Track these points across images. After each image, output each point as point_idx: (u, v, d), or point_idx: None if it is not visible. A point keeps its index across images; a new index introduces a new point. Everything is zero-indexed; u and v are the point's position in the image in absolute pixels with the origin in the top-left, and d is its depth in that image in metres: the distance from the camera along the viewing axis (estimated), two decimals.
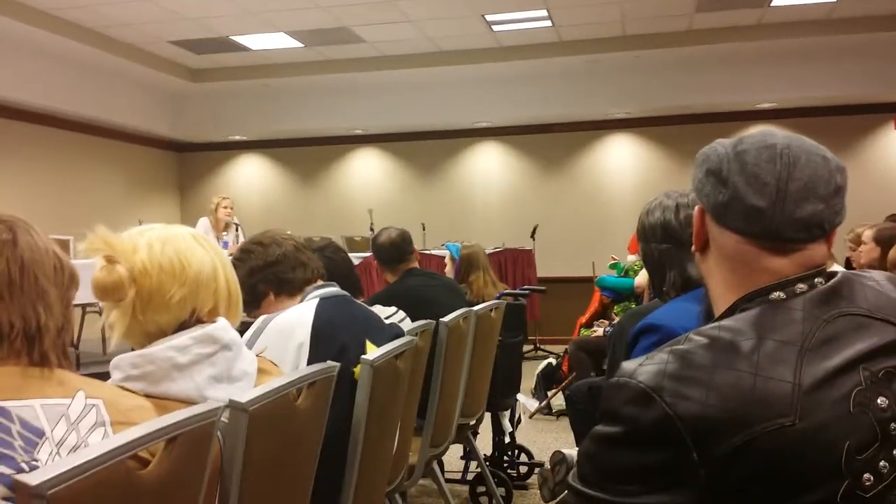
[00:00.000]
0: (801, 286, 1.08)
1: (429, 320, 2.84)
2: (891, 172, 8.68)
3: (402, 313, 3.20)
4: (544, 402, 5.65)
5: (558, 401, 5.54)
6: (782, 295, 1.08)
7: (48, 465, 0.98)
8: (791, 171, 1.09)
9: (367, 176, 10.10)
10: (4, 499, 1.02)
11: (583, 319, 6.13)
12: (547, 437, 5.05)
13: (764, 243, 1.10)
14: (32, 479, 0.91)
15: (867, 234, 4.40)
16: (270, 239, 2.32)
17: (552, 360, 6.04)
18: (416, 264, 3.83)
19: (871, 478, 0.99)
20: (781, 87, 8.27)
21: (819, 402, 0.99)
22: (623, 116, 9.15)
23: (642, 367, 1.04)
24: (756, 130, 1.16)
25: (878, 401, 1.02)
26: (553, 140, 9.47)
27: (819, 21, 7.54)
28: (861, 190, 8.43)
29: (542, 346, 8.27)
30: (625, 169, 9.35)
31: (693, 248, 1.22)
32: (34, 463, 1.05)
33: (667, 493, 0.99)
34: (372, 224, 8.09)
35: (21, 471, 1.03)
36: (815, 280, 1.09)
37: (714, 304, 1.20)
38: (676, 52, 8.07)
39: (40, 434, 1.08)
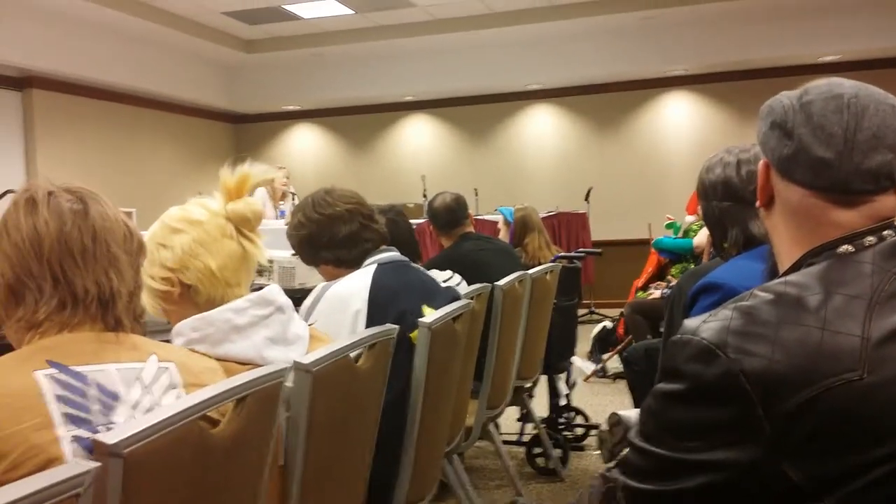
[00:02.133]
0: (870, 239, 1.06)
1: (484, 284, 2.84)
2: None
3: (457, 277, 3.21)
4: (600, 365, 5.63)
5: (614, 363, 5.52)
6: (850, 248, 1.06)
7: (124, 425, 1.02)
8: (859, 120, 1.06)
9: (419, 142, 10.10)
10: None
11: (639, 282, 6.06)
12: (602, 400, 5.05)
13: (831, 196, 1.07)
14: (109, 438, 0.95)
15: None
16: (338, 213, 2.21)
17: (608, 324, 6.01)
18: (471, 228, 3.84)
19: None
20: (844, 39, 7.96)
21: (888, 356, 0.97)
22: (679, 74, 8.94)
23: (706, 324, 1.03)
24: (822, 81, 1.12)
25: None
26: (607, 100, 9.32)
27: None
28: None
29: (596, 310, 8.22)
30: (681, 128, 9.16)
31: (757, 203, 1.19)
32: (111, 425, 1.10)
33: (731, 448, 0.99)
34: (425, 190, 8.10)
35: (98, 433, 1.07)
36: (885, 233, 1.06)
37: (779, 261, 1.18)
38: (734, 5, 7.82)
39: (116, 397, 1.13)
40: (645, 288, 5.87)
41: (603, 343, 5.85)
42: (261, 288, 1.56)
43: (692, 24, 8.22)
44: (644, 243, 6.93)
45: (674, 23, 8.26)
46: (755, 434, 0.98)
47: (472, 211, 3.99)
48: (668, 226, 5.95)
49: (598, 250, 5.39)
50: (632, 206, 8.91)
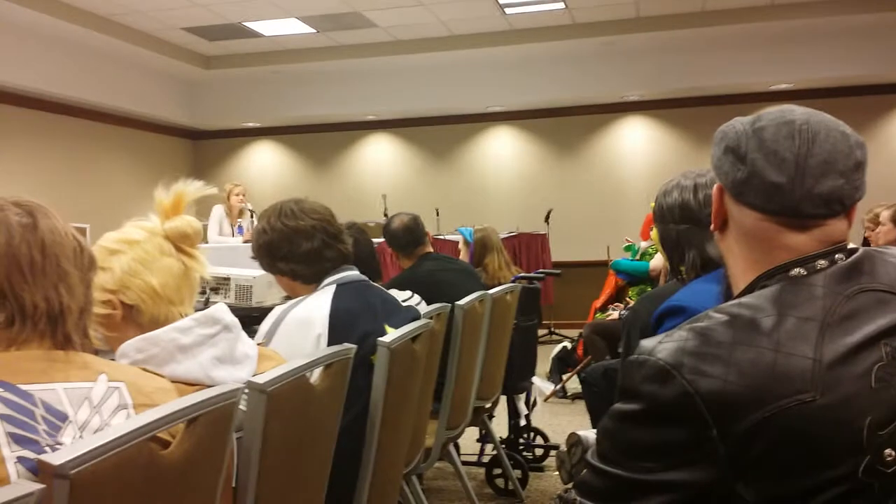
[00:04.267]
0: (822, 262, 1.07)
1: (444, 303, 2.84)
2: None
3: (417, 297, 3.20)
4: (559, 385, 5.65)
5: (573, 384, 5.54)
6: (803, 271, 1.07)
7: (71, 446, 0.99)
8: (810, 146, 1.08)
9: (380, 162, 10.10)
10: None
11: (597, 303, 6.12)
12: (562, 420, 5.06)
13: (783, 220, 1.09)
14: (55, 458, 0.93)
15: (885, 215, 4.36)
16: (302, 227, 2.16)
17: (567, 344, 6.04)
18: (430, 248, 3.83)
19: (893, 453, 0.99)
20: (796, 68, 8.18)
21: (840, 377, 0.98)
22: (637, 99, 9.09)
23: (662, 345, 1.04)
24: (775, 107, 1.15)
25: None
26: (567, 124, 9.43)
27: (834, 1, 7.44)
28: (878, 170, 8.36)
29: (556, 331, 8.27)
30: (639, 152, 9.30)
31: (712, 226, 1.21)
32: (57, 446, 1.06)
33: (686, 469, 0.99)
34: (386, 209, 8.09)
35: (44, 454, 1.04)
36: (836, 256, 1.08)
37: (733, 283, 1.19)
38: (690, 34, 7.99)
39: (63, 418, 1.09)
40: (603, 309, 5.92)
41: (562, 363, 5.87)
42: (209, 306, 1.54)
43: (650, 51, 8.38)
44: (603, 265, 7.01)
45: (632, 50, 8.41)
46: (710, 455, 0.98)
47: (432, 231, 3.99)
48: (627, 248, 6.03)
49: (558, 271, 5.43)
50: (591, 229, 9.00)
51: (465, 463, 3.80)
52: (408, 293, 3.21)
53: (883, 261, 1.11)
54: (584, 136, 9.43)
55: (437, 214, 8.41)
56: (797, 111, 1.12)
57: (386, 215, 7.68)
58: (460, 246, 4.92)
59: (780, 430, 0.97)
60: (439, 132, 9.78)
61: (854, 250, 1.11)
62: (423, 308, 2.89)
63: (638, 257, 5.70)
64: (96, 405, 1.14)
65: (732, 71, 8.32)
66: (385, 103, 9.35)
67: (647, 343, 1.07)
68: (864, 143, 1.12)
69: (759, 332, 1.01)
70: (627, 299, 5.68)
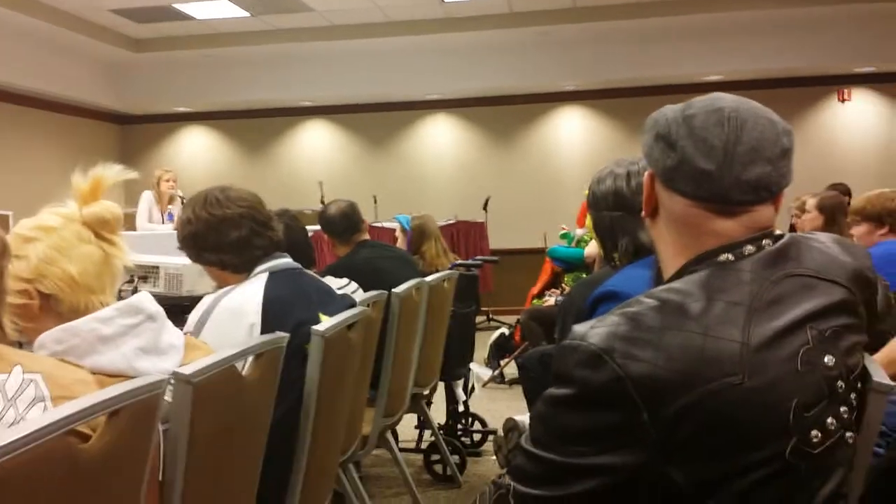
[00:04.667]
0: (750, 248, 1.09)
1: (381, 291, 2.82)
2: (834, 142, 8.89)
3: (354, 285, 3.17)
4: (497, 371, 5.69)
5: (511, 370, 5.59)
6: (731, 257, 1.09)
7: None
8: (739, 133, 1.09)
9: (317, 148, 9.97)
10: None
11: (534, 290, 6.17)
12: (500, 406, 5.09)
13: (712, 206, 1.10)
14: None
15: (811, 203, 4.49)
16: (228, 216, 2.09)
17: (505, 331, 6.08)
18: (367, 236, 3.80)
19: (819, 434, 1.02)
20: (729, 60, 8.37)
21: (767, 360, 1.00)
22: (573, 89, 9.17)
23: (593, 330, 1.05)
24: (706, 95, 1.16)
25: (825, 359, 1.04)
26: (505, 113, 9.46)
27: None
28: (806, 159, 8.60)
29: (494, 317, 8.31)
30: (575, 141, 9.40)
31: (643, 213, 1.22)
32: None
33: (617, 452, 1.00)
34: (322, 197, 7.99)
35: None
36: (763, 242, 1.10)
37: (664, 268, 1.20)
38: (626, 25, 8.09)
39: None
40: (540, 295, 5.98)
41: (500, 349, 5.91)
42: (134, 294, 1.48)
43: (586, 41, 8.46)
44: (540, 252, 7.07)
45: (569, 40, 8.47)
46: (641, 438, 0.99)
47: (370, 219, 3.96)
48: (563, 236, 6.09)
49: (495, 258, 5.45)
50: (528, 216, 9.06)
51: (402, 450, 3.79)
52: (344, 281, 3.18)
53: (808, 246, 1.13)
54: (522, 124, 9.49)
55: (375, 202, 8.34)
56: (727, 99, 1.13)
57: (323, 203, 7.59)
58: (398, 233, 4.89)
59: (709, 412, 0.98)
60: (377, 119, 9.71)
61: (781, 236, 1.13)
62: (360, 296, 2.87)
63: (574, 244, 5.77)
64: (11, 398, 1.09)
65: (666, 62, 8.47)
66: (321, 89, 9.23)
67: (579, 328, 1.08)
68: (792, 130, 1.14)
69: (687, 317, 1.02)
70: (563, 286, 5.74)
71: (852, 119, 8.93)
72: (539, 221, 8.49)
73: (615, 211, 1.86)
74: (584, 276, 5.12)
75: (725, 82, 8.83)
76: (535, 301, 5.96)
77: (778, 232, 1.14)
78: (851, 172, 8.05)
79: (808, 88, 8.84)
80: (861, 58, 8.22)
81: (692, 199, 1.11)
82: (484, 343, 5.86)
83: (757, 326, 1.02)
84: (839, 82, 8.85)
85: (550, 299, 5.55)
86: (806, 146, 8.65)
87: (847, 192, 6.44)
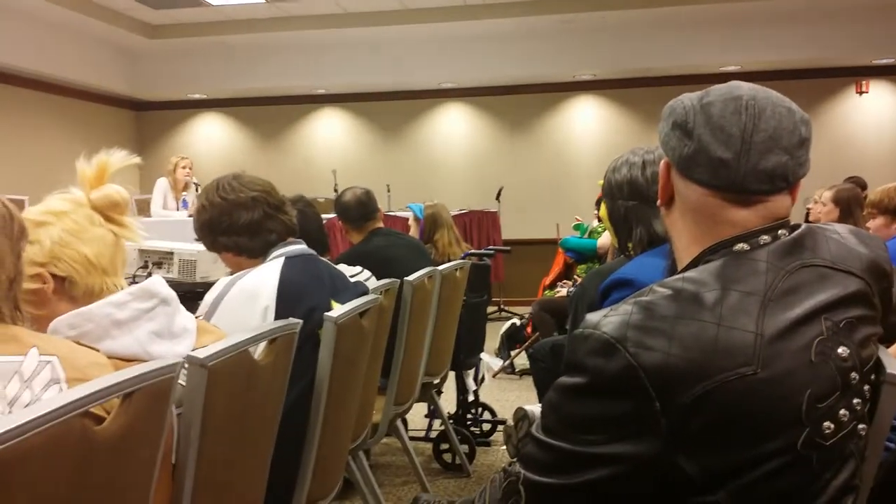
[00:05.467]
0: (765, 238, 1.09)
1: (393, 279, 2.82)
2: (851, 135, 8.81)
3: (367, 272, 3.18)
4: (507, 362, 5.69)
5: (521, 360, 5.59)
6: (746, 246, 1.08)
7: None
8: (756, 122, 1.08)
9: (331, 136, 9.98)
10: None
11: (546, 281, 6.16)
12: (510, 396, 5.10)
13: (728, 195, 1.10)
14: None
15: (826, 196, 4.45)
16: (241, 200, 2.11)
17: (516, 321, 6.08)
18: (381, 224, 3.80)
19: (832, 426, 1.01)
20: (747, 50, 8.30)
21: (781, 351, 1.00)
22: (590, 78, 9.12)
23: (606, 319, 1.04)
24: (723, 84, 1.15)
25: (839, 350, 1.03)
26: (519, 102, 9.43)
27: None
28: (823, 151, 8.56)
29: (506, 308, 8.31)
30: (590, 131, 9.36)
31: (658, 201, 1.21)
32: None
33: (629, 442, 1.00)
34: (336, 185, 8.01)
35: None
36: (779, 232, 1.09)
37: (678, 258, 1.20)
38: (645, 14, 8.04)
39: None
40: (552, 286, 5.96)
41: (511, 340, 5.91)
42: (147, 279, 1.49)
43: (604, 30, 8.41)
44: (552, 243, 7.06)
45: (586, 28, 8.42)
46: (652, 428, 0.99)
47: (383, 207, 3.96)
48: (576, 227, 6.07)
49: (507, 248, 5.44)
50: (541, 207, 9.04)
51: (412, 438, 3.81)
52: (357, 268, 3.19)
53: (825, 237, 1.12)
54: (537, 114, 9.45)
55: (389, 191, 8.35)
56: (744, 87, 1.13)
57: (336, 191, 7.61)
58: (410, 222, 4.89)
59: (721, 403, 0.97)
60: (391, 107, 9.70)
61: (797, 226, 1.12)
62: (373, 283, 2.88)
63: (587, 236, 5.75)
64: (27, 379, 1.09)
65: (683, 52, 8.41)
66: (336, 77, 9.22)
67: (592, 317, 1.07)
68: (810, 119, 1.13)
69: (701, 306, 1.02)
70: (576, 277, 5.73)
71: (870, 111, 8.85)
72: (551, 212, 8.49)
73: (630, 200, 1.85)
74: (597, 266, 5.11)
75: (743, 72, 8.75)
76: (546, 292, 5.96)
77: (794, 222, 1.13)
78: (868, 165, 8.00)
79: (825, 80, 8.76)
80: (880, 50, 8.14)
81: (708, 187, 1.10)
82: (495, 333, 5.86)
83: (771, 317, 1.01)
84: (857, 74, 8.76)
85: (562, 290, 5.54)
86: (823, 138, 8.58)
87: (863, 185, 6.39)
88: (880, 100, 8.84)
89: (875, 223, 3.32)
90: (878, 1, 7.62)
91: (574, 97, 9.39)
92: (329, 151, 9.81)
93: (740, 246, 1.08)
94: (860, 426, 1.05)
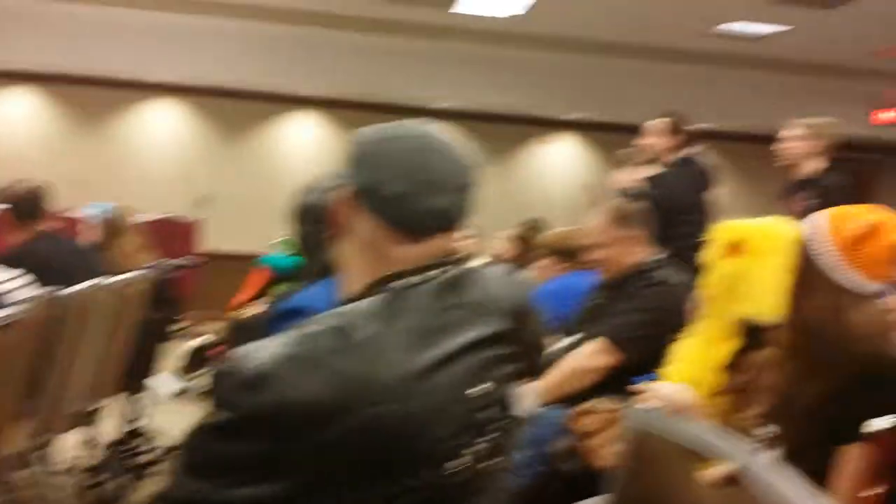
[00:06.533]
0: (427, 275, 1.12)
1: (55, 288, 2.58)
2: (538, 179, 9.74)
3: (26, 278, 2.84)
4: (190, 383, 5.39)
5: (207, 381, 5.32)
6: (408, 283, 1.11)
7: None
8: (430, 162, 1.13)
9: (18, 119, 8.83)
10: None
11: (241, 298, 5.94)
12: (189, 420, 4.81)
13: (396, 231, 1.13)
14: None
15: (508, 235, 4.84)
16: None
17: (203, 340, 5.80)
18: (49, 225, 3.43)
19: (463, 463, 1.06)
20: (456, 90, 8.79)
21: (424, 389, 1.03)
22: (308, 94, 9.07)
23: (257, 353, 1.01)
24: (401, 122, 1.20)
25: (479, 388, 1.10)
26: (235, 107, 9.08)
27: (496, 32, 8.14)
28: (512, 192, 9.35)
29: (194, 325, 7.88)
30: (302, 147, 9.28)
31: (334, 231, 1.22)
32: None
33: (268, 482, 0.97)
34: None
35: None
36: (440, 269, 1.14)
37: (347, 289, 1.20)
38: (359, 39, 8.20)
39: None
40: (246, 304, 5.76)
41: (198, 360, 5.62)
42: None
43: (324, 48, 8.37)
44: (252, 258, 6.85)
45: (307, 44, 8.33)
46: (294, 466, 0.97)
47: (61, 206, 3.60)
48: (283, 242, 5.93)
49: (196, 262, 5.17)
50: (245, 219, 8.74)
51: (65, 470, 3.42)
52: (16, 272, 2.85)
53: (478, 277, 1.19)
54: (254, 122, 9.15)
55: (72, 188, 7.56)
56: (422, 127, 1.18)
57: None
58: (87, 225, 4.44)
59: (364, 439, 0.99)
60: (91, 94, 8.77)
61: (457, 265, 1.17)
62: (30, 291, 2.59)
63: (290, 253, 5.65)
64: None
65: (398, 82, 8.66)
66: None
67: (243, 350, 1.03)
68: (477, 165, 1.19)
69: (355, 342, 1.03)
70: (272, 296, 5.59)
71: (555, 160, 9.86)
72: (255, 225, 8.24)
73: (316, 225, 1.84)
74: (296, 286, 5.03)
75: (450, 111, 9.27)
76: (239, 310, 5.74)
77: (456, 260, 1.18)
78: (551, 208, 8.82)
79: (521, 127, 9.58)
80: (568, 105, 9.09)
81: (380, 222, 1.13)
82: (180, 352, 5.55)
83: (418, 354, 1.04)
84: (547, 125, 9.71)
85: (256, 309, 5.37)
86: (512, 180, 9.41)
87: (544, 226, 7.05)
88: (564, 150, 9.88)
89: (544, 263, 3.63)
90: (570, 63, 8.51)
91: (293, 111, 9.27)
92: (12, 137, 8.65)
93: (403, 282, 1.11)
94: (494, 460, 1.12)
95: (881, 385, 1.58)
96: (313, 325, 1.05)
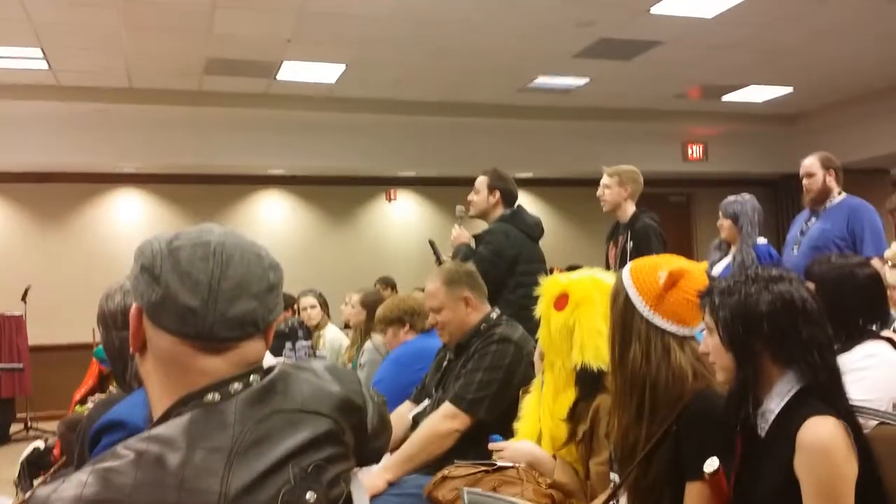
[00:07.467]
0: (236, 386, 1.06)
1: None
2: (384, 238, 9.74)
3: None
4: (28, 494, 4.92)
5: None
6: (217, 396, 1.05)
7: None
8: (224, 269, 1.07)
9: None
10: None
11: (78, 394, 5.54)
12: None
13: (198, 343, 1.06)
14: None
15: (355, 299, 4.80)
16: None
17: (40, 444, 5.32)
18: None
19: None
20: (289, 155, 8.69)
21: None
22: (133, 171, 8.70)
23: (57, 493, 0.93)
24: (195, 227, 1.14)
25: (307, 496, 1.04)
26: (52, 191, 8.55)
27: (320, 98, 8.18)
28: (360, 253, 9.33)
29: (35, 425, 7.27)
30: (134, 226, 8.83)
31: (131, 349, 1.13)
32: None
33: None
34: None
35: None
36: (251, 378, 1.08)
37: (153, 409, 1.11)
38: (186, 111, 8.00)
39: None
40: (84, 401, 5.38)
41: (34, 467, 5.12)
42: None
43: (144, 123, 8.06)
44: (89, 348, 6.42)
45: (127, 120, 8.01)
46: None
47: None
48: None
49: (18, 365, 4.78)
50: (76, 308, 8.18)
51: None
52: None
53: (297, 378, 1.13)
54: (74, 205, 8.67)
55: None
56: (215, 232, 1.12)
57: None
58: None
59: None
60: None
61: (270, 371, 1.12)
62: None
63: None
64: None
65: (228, 152, 8.44)
66: None
67: (42, 490, 0.95)
68: (279, 265, 1.15)
69: (164, 470, 0.96)
70: (111, 389, 5.25)
71: (398, 217, 9.92)
72: (88, 314, 7.73)
73: (125, 331, 1.71)
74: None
75: (287, 176, 9.19)
76: (77, 407, 5.35)
77: (269, 365, 1.13)
78: (399, 265, 8.87)
79: (362, 187, 9.61)
80: (405, 163, 9.22)
81: (178, 335, 1.06)
82: (16, 458, 5.06)
83: (237, 472, 0.98)
84: (387, 183, 9.79)
85: (88, 407, 5.02)
86: (359, 240, 9.42)
87: (393, 284, 7.07)
88: (406, 206, 9.96)
89: (387, 336, 3.60)
90: (401, 123, 8.67)
91: (117, 189, 8.84)
92: None
93: (210, 396, 1.05)
94: None
95: (709, 421, 1.65)
96: (117, 457, 0.97)
